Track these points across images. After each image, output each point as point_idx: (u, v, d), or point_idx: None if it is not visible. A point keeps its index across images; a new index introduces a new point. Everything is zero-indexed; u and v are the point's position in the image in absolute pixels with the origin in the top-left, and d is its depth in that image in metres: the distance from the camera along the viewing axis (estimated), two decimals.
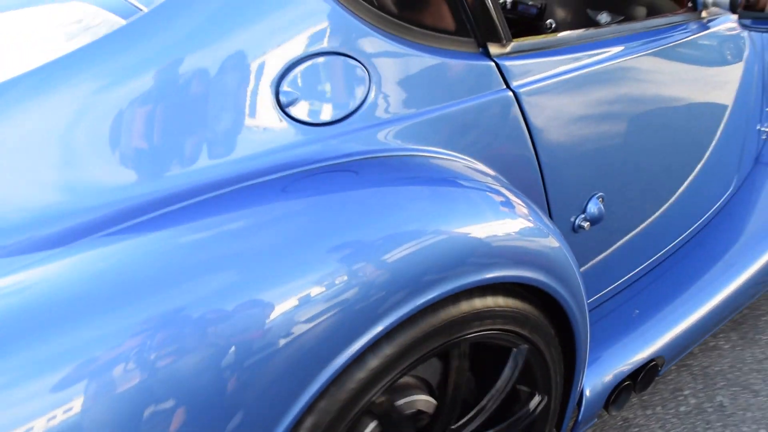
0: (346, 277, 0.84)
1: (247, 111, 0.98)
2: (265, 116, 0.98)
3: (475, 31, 1.18)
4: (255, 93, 0.98)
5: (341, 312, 0.83)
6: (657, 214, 1.64)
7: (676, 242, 1.78)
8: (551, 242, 1.12)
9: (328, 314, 0.82)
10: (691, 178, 1.70)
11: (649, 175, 1.56)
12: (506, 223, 1.06)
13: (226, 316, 0.77)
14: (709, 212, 1.87)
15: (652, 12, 1.66)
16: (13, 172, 0.88)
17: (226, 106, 0.96)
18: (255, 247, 0.84)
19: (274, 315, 0.79)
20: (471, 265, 0.98)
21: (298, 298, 0.81)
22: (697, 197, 1.77)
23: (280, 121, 0.99)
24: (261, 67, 0.98)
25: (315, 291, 0.82)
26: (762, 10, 1.70)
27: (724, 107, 1.77)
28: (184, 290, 0.78)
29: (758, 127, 2.05)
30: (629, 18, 1.55)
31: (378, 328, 0.87)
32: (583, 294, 1.22)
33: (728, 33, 1.77)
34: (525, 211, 1.10)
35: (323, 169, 1.00)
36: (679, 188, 1.66)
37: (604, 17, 1.58)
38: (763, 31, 1.84)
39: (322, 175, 0.99)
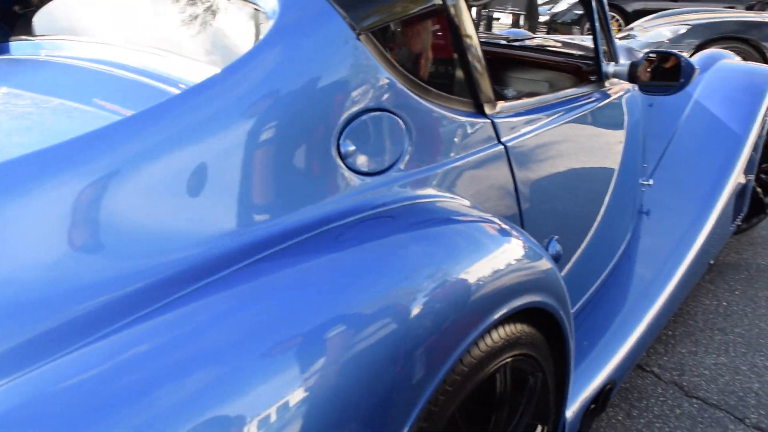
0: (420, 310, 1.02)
1: (314, 163, 1.14)
2: (326, 166, 1.16)
3: (475, 94, 1.47)
4: (318, 145, 1.15)
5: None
6: (579, 254, 1.94)
7: (598, 281, 2.14)
8: (547, 264, 1.33)
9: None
10: (596, 224, 2.03)
11: (573, 221, 1.91)
12: (518, 249, 1.28)
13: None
14: (619, 251, 2.30)
15: (567, 85, 2.03)
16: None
17: (298, 158, 1.12)
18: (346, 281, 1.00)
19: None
20: (501, 295, 1.18)
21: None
22: (606, 239, 2.14)
23: (341, 170, 1.18)
24: (324, 124, 1.15)
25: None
26: (650, 78, 2.07)
27: (617, 164, 2.14)
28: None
29: (641, 181, 2.49)
30: (533, 93, 1.81)
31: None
32: (569, 315, 1.41)
33: (626, 97, 2.22)
34: (523, 240, 1.32)
35: (384, 213, 1.20)
36: (589, 233, 2.00)
37: (509, 92, 1.87)
38: (650, 94, 2.17)
39: (383, 219, 1.19)
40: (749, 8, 8.02)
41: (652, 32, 5.74)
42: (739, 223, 3.05)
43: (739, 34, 6.39)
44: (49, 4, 1.72)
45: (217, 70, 1.13)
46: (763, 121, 2.83)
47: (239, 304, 0.94)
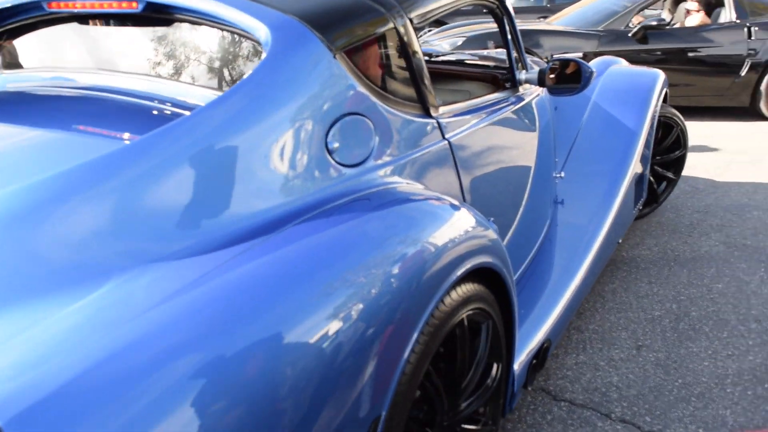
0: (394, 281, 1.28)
1: (308, 157, 1.44)
2: (319, 160, 1.47)
3: (423, 99, 1.81)
4: (312, 143, 1.46)
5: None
6: (509, 236, 2.27)
7: (527, 260, 2.49)
8: (492, 234, 1.64)
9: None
10: (521, 210, 2.38)
11: (503, 206, 2.26)
12: (469, 221, 1.57)
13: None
14: (542, 235, 2.65)
15: (487, 92, 2.34)
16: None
17: (298, 154, 1.43)
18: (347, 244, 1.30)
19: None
20: (459, 257, 1.46)
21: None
22: (529, 224, 2.48)
23: (330, 163, 1.49)
24: (314, 127, 1.47)
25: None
26: (556, 82, 2.42)
27: (534, 158, 2.48)
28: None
29: (554, 174, 2.83)
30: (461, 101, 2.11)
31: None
32: (512, 275, 1.73)
33: (536, 100, 2.56)
34: (472, 214, 1.62)
35: (364, 196, 1.48)
36: (516, 217, 2.34)
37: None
38: (558, 95, 2.53)
39: (364, 201, 1.46)
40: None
41: (437, 45, 6.05)
42: (641, 208, 3.45)
43: None
44: (36, 35, 1.92)
45: (220, 93, 1.49)
46: (653, 118, 3.23)
47: (264, 271, 1.16)
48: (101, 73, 1.74)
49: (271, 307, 1.08)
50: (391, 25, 1.72)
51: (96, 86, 1.71)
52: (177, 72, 1.69)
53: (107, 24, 1.80)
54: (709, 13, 6.82)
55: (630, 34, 6.31)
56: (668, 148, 3.87)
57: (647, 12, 7.51)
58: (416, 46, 1.79)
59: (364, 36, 1.65)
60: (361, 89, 1.59)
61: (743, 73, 6.42)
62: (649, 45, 6.34)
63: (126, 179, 1.20)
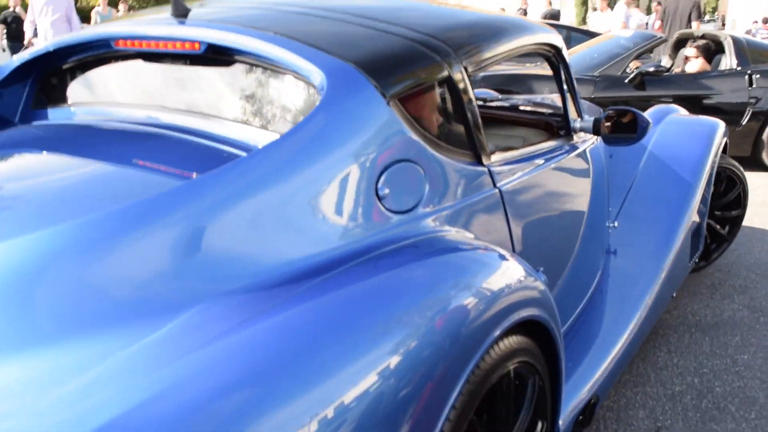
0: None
1: (359, 202, 1.45)
2: (370, 205, 1.46)
3: (474, 147, 1.78)
4: (363, 189, 1.46)
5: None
6: (558, 286, 2.19)
7: (576, 312, 2.37)
8: (541, 285, 1.59)
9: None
10: (572, 260, 2.30)
11: (553, 256, 2.19)
12: (518, 272, 1.54)
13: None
14: (593, 286, 2.53)
15: (541, 139, 2.30)
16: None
17: (349, 200, 1.44)
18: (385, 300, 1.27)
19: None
20: (506, 309, 1.42)
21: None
22: (580, 274, 2.40)
23: (380, 209, 1.48)
24: (366, 173, 1.46)
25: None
26: (610, 131, 2.36)
27: (586, 208, 2.42)
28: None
29: (607, 224, 2.74)
30: (514, 147, 2.06)
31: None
32: (560, 328, 1.67)
33: (590, 148, 2.51)
34: (521, 265, 1.59)
35: (412, 244, 1.48)
36: (566, 267, 2.27)
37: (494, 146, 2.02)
38: (613, 145, 2.47)
39: (412, 248, 1.46)
40: None
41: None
42: (696, 261, 3.28)
43: None
44: (102, 71, 1.97)
45: (276, 136, 1.52)
46: (711, 168, 3.07)
47: (312, 315, 1.18)
48: (163, 111, 1.78)
49: (314, 353, 1.09)
50: (446, 72, 1.71)
51: (157, 123, 1.75)
52: (234, 112, 1.70)
53: (171, 63, 1.84)
54: (709, 60, 6.61)
55: (627, 80, 6.06)
56: (728, 205, 3.67)
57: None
58: (470, 94, 1.78)
59: (418, 83, 1.66)
60: (413, 136, 1.58)
61: (744, 122, 6.20)
62: (647, 91, 6.09)
63: (185, 217, 1.23)
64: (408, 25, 1.80)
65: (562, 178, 2.27)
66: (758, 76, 6.24)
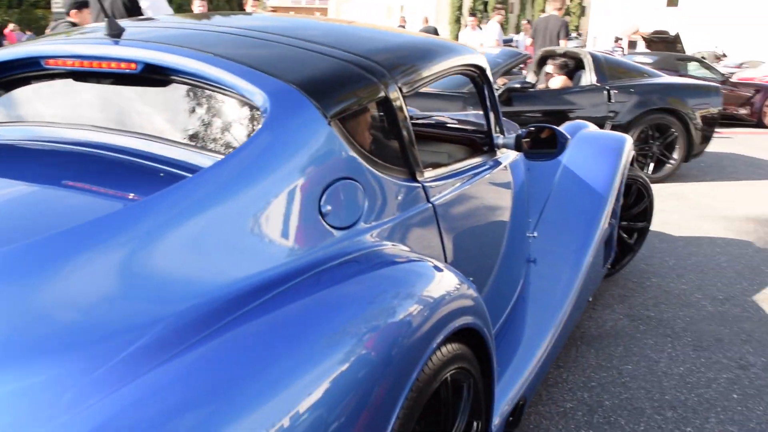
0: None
1: (303, 220, 1.47)
2: (313, 222, 1.49)
3: (409, 164, 1.83)
4: (307, 207, 1.48)
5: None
6: (484, 294, 2.22)
7: (501, 320, 2.44)
8: (474, 294, 1.65)
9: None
10: (495, 270, 2.37)
11: (479, 266, 2.25)
12: (453, 282, 1.59)
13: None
14: (516, 294, 2.61)
15: (466, 155, 2.39)
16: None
17: (293, 217, 1.46)
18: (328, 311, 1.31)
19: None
20: (445, 318, 1.47)
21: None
22: (504, 283, 2.48)
23: (323, 226, 1.51)
24: (309, 191, 1.49)
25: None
26: (531, 147, 2.41)
27: (509, 221, 2.50)
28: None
29: (528, 234, 2.84)
30: (441, 163, 2.13)
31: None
32: (492, 334, 1.73)
33: (512, 163, 2.60)
34: (456, 275, 1.64)
35: (353, 259, 1.50)
36: (491, 276, 2.34)
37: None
38: (535, 160, 2.54)
39: (354, 264, 1.49)
40: None
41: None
42: (609, 267, 3.48)
43: None
44: (32, 89, 1.89)
45: (219, 156, 1.52)
46: (621, 180, 3.25)
47: (261, 333, 1.19)
48: (100, 131, 1.72)
49: (265, 369, 1.10)
50: (382, 93, 1.76)
51: (94, 143, 1.70)
52: (176, 133, 1.67)
53: (107, 83, 1.79)
54: (571, 76, 6.89)
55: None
56: (635, 216, 3.87)
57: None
58: (405, 114, 1.83)
59: (356, 103, 1.69)
60: (353, 154, 1.62)
61: None
62: (514, 107, 6.23)
63: (130, 239, 1.21)
64: (345, 48, 1.85)
65: (488, 192, 2.35)
66: (616, 91, 6.55)
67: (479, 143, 2.57)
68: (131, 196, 1.47)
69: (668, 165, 6.71)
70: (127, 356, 1.09)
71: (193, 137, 1.66)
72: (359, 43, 1.94)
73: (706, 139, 6.90)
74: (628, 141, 3.51)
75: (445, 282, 1.57)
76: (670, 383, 2.73)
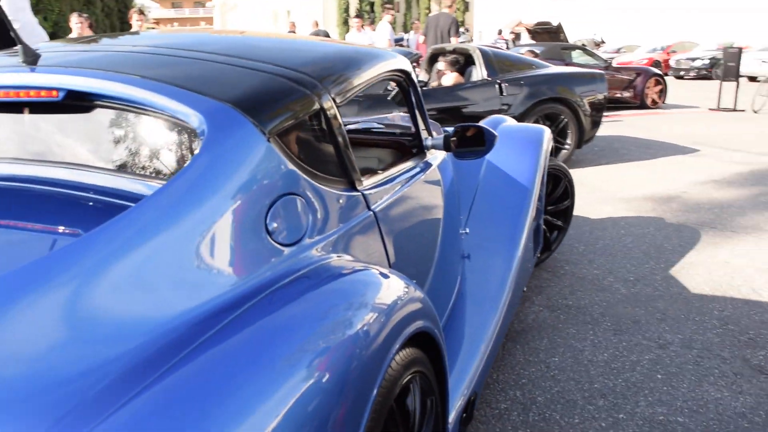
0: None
1: (253, 241, 1.43)
2: (261, 241, 1.45)
3: (348, 174, 1.82)
4: (254, 226, 1.44)
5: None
6: (426, 293, 2.10)
7: (445, 316, 2.47)
8: (422, 295, 1.64)
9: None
10: (432, 270, 2.36)
11: (418, 267, 2.23)
12: (403, 288, 1.58)
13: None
14: (454, 292, 2.63)
15: (397, 159, 2.45)
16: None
17: (240, 239, 1.40)
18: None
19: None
20: (400, 324, 1.46)
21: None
22: (442, 282, 2.46)
23: (271, 244, 1.48)
24: (255, 210, 1.45)
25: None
26: (458, 146, 2.45)
27: (443, 220, 2.51)
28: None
29: (461, 231, 2.87)
30: (374, 169, 2.13)
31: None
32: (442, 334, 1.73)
33: (441, 164, 2.59)
34: (404, 280, 1.63)
35: (303, 275, 1.47)
36: (428, 277, 2.32)
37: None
38: (464, 159, 2.54)
39: (304, 280, 1.46)
40: None
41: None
42: (539, 255, 3.60)
43: None
44: None
45: (159, 183, 1.49)
46: (543, 171, 3.31)
47: (213, 368, 1.13)
48: (25, 164, 1.62)
49: (225, 400, 1.06)
50: (317, 104, 1.74)
51: (19, 177, 1.60)
52: (107, 161, 1.59)
53: (28, 113, 1.67)
54: (462, 72, 6.97)
55: (389, 98, 6.04)
56: (558, 199, 4.00)
57: None
58: (341, 123, 1.82)
59: (292, 117, 1.66)
60: (294, 169, 1.59)
61: None
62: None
63: (73, 279, 1.14)
64: (272, 61, 1.81)
65: (423, 194, 2.36)
66: (507, 84, 6.65)
67: (409, 146, 2.58)
68: (69, 231, 1.40)
69: (563, 150, 6.89)
70: (80, 404, 1.01)
71: (129, 164, 1.59)
72: (286, 56, 1.91)
73: (596, 124, 7.13)
74: (547, 132, 3.58)
75: (393, 288, 1.56)
76: (597, 371, 2.75)
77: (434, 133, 2.59)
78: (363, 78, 2.02)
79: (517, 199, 3.09)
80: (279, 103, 1.65)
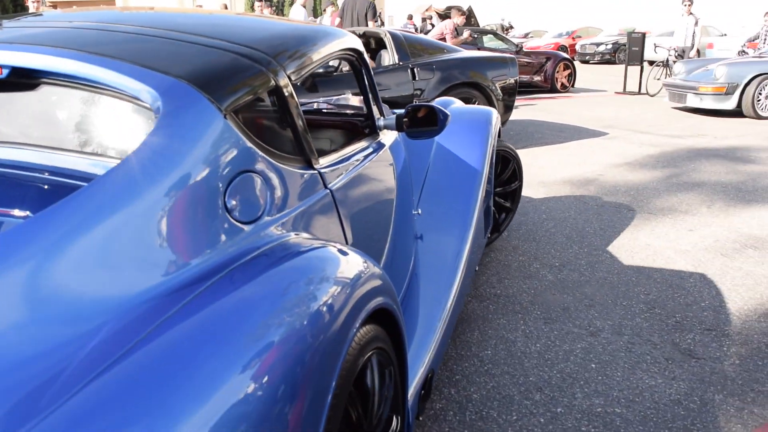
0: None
1: (211, 219, 1.40)
2: (220, 219, 1.43)
3: (304, 152, 1.82)
4: (213, 204, 1.41)
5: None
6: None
7: (401, 294, 2.46)
8: (380, 272, 1.64)
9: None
10: (386, 250, 2.35)
11: (372, 246, 2.19)
12: (363, 265, 1.58)
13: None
14: (408, 272, 2.60)
15: (351, 139, 2.39)
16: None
17: (199, 217, 1.38)
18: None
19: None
20: (362, 300, 1.46)
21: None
22: (396, 262, 2.45)
23: (231, 222, 1.45)
24: (213, 187, 1.42)
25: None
26: (410, 126, 2.45)
27: (396, 200, 2.50)
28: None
29: (413, 212, 2.85)
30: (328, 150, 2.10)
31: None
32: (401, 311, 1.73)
33: (393, 144, 2.60)
34: (363, 257, 1.62)
35: (262, 253, 1.44)
36: (383, 256, 2.31)
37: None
38: (417, 138, 2.55)
39: (263, 258, 1.42)
40: None
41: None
42: (489, 235, 3.60)
43: None
44: None
45: (114, 161, 1.48)
46: (492, 152, 3.35)
47: (176, 345, 1.10)
48: None
49: (189, 378, 1.04)
50: (272, 82, 1.72)
51: None
52: (57, 140, 1.55)
53: None
54: (373, 57, 6.81)
55: (299, 83, 5.92)
56: (506, 181, 4.00)
57: None
58: (296, 101, 1.81)
59: (248, 93, 1.63)
60: (251, 146, 1.56)
61: None
62: (320, 93, 5.89)
63: (27, 259, 1.11)
64: (225, 38, 1.78)
65: (377, 173, 2.35)
66: (419, 69, 6.53)
67: (361, 126, 2.58)
68: (18, 212, 1.39)
69: None
70: (42, 385, 0.99)
71: (80, 143, 1.55)
72: (238, 33, 1.87)
73: (509, 108, 7.14)
74: (494, 113, 3.60)
75: (353, 264, 1.54)
76: (531, 363, 2.67)
77: (387, 114, 2.58)
78: (317, 56, 2.01)
79: (468, 180, 3.12)
80: (234, 79, 1.62)
